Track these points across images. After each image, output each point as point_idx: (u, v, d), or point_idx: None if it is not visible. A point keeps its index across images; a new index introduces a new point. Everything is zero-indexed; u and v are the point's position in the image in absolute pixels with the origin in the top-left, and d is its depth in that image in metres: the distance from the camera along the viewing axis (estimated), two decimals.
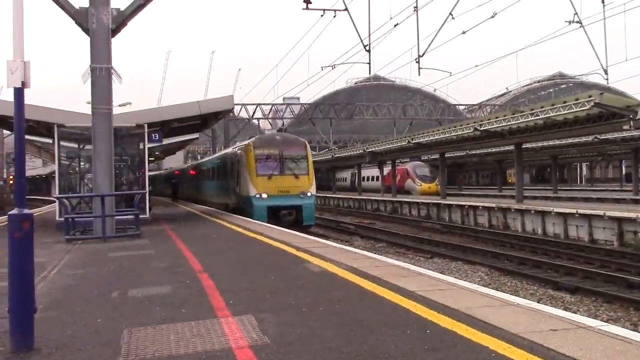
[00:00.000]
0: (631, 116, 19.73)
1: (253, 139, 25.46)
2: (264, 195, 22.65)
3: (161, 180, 60.08)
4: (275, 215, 22.47)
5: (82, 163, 20.39)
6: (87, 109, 17.41)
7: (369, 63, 25.89)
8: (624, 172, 63.88)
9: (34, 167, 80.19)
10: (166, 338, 5.22)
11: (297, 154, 24.16)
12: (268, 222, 19.83)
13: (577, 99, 20.70)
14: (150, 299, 6.98)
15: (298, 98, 70.33)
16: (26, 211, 5.17)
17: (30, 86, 5.34)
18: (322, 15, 24.56)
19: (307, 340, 5.00)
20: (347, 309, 6.11)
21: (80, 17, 14.84)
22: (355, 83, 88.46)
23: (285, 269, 8.92)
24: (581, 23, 21.43)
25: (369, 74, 29.82)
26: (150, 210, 21.01)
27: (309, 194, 23.46)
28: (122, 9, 15.23)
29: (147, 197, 19.48)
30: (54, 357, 4.82)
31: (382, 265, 9.11)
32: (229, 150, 30.21)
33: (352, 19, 23.82)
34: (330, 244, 12.58)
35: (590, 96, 20.13)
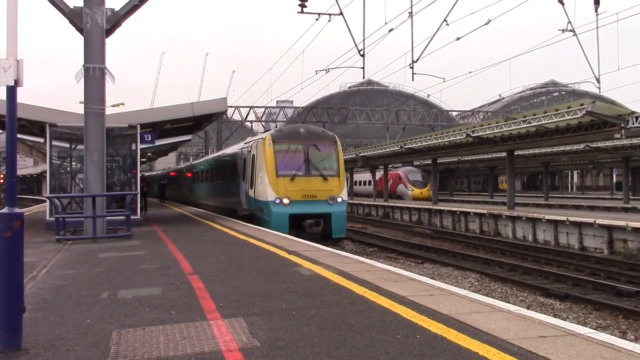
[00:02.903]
0: (622, 125, 19.87)
1: (271, 131, 21.43)
2: (285, 201, 18.94)
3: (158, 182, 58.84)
4: (298, 224, 19.00)
5: (73, 163, 20.32)
6: (80, 109, 17.38)
7: (363, 68, 25.92)
8: (614, 180, 64.27)
9: (25, 166, 79.95)
10: (155, 340, 5.20)
11: (325, 151, 20.18)
12: (290, 234, 16.96)
13: (569, 107, 20.82)
14: (140, 301, 6.95)
15: (291, 101, 70.36)
16: (16, 210, 5.15)
17: (23, 85, 5.32)
18: (317, 19, 24.59)
19: (297, 344, 5.00)
20: (337, 313, 6.11)
21: (74, 17, 14.80)
22: (349, 87, 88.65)
23: (276, 272, 8.90)
24: (574, 32, 21.54)
25: (363, 78, 29.92)
26: (145, 210, 20.95)
27: (339, 199, 19.63)
28: (116, 9, 15.21)
29: (139, 198, 19.45)
30: (42, 357, 4.80)
31: (373, 270, 9.11)
32: (240, 145, 25.06)
33: (346, 24, 23.85)
34: (322, 247, 12.56)
35: (582, 104, 20.25)
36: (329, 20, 24.57)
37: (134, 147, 19.68)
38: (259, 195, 19.75)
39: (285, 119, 63.51)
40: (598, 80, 23.39)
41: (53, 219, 15.79)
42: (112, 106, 39.27)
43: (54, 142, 18.89)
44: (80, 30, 14.83)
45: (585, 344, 4.85)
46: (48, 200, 17.67)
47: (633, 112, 20.19)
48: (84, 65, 14.75)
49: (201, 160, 40.50)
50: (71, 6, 14.92)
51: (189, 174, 41.12)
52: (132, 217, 15.97)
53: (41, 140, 22.83)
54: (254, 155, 20.70)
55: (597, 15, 19.61)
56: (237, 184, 23.31)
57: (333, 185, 19.64)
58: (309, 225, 18.98)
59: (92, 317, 6.11)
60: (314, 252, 11.31)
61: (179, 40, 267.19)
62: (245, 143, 23.45)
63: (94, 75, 14.72)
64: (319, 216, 19.22)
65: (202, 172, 35.27)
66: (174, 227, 18.37)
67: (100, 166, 14.99)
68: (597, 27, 21.35)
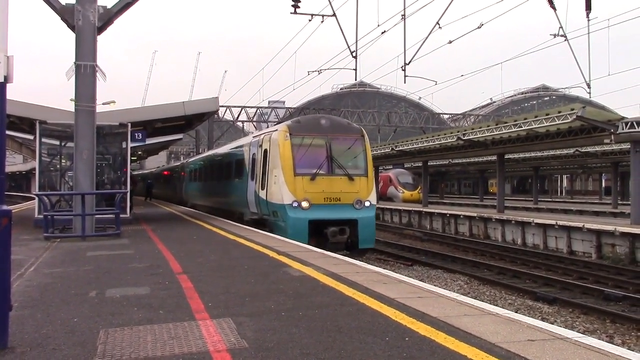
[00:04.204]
0: (612, 130, 19.99)
1: (288, 122, 18.28)
2: (304, 204, 16.32)
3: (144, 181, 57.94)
4: (318, 232, 16.45)
5: (63, 160, 20.21)
6: (71, 106, 17.30)
7: (355, 69, 25.91)
8: (603, 185, 64.69)
9: (14, 163, 79.46)
10: (143, 339, 5.17)
11: (351, 146, 17.53)
12: (309, 243, 14.73)
13: (559, 112, 20.93)
14: (128, 300, 6.92)
15: (283, 102, 70.30)
16: (5, 207, 5.11)
17: (13, 81, 5.28)
18: (310, 20, 24.54)
19: (286, 345, 4.98)
20: (326, 315, 6.10)
21: (66, 14, 14.73)
22: (341, 89, 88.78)
23: (265, 273, 8.88)
24: (566, 37, 21.62)
25: (355, 80, 29.89)
26: (131, 209, 20.86)
27: (367, 203, 17.02)
28: (109, 6, 15.15)
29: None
30: (29, 356, 4.75)
31: (363, 272, 9.11)
32: (247, 139, 22.17)
33: (339, 25, 23.82)
34: (311, 248, 12.55)
35: (572, 109, 20.36)
36: (322, 22, 24.55)
37: (124, 146, 19.61)
38: (273, 197, 17.05)
39: (277, 120, 63.56)
40: (589, 86, 23.51)
41: (42, 216, 15.71)
42: (103, 104, 39.15)
43: (43, 139, 18.78)
44: (72, 27, 14.76)
45: (572, 348, 4.86)
46: (37, 198, 17.57)
47: (623, 118, 20.33)
48: (75, 63, 14.68)
49: (200, 156, 36.50)
50: (63, 3, 14.84)
51: (185, 172, 38.13)
52: (121, 215, 15.91)
53: (31, 137, 22.73)
54: (266, 150, 17.88)
55: (588, 20, 19.71)
56: (243, 183, 20.45)
57: (360, 187, 17.07)
58: (333, 233, 16.31)
59: (80, 316, 6.07)
60: (304, 253, 11.30)
61: (172, 38, 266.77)
62: (254, 136, 20.77)
63: (85, 72, 14.65)
64: (343, 223, 16.59)
65: (201, 170, 31.97)
66: (164, 226, 18.31)
67: (90, 164, 14.92)
68: (589, 33, 21.47)
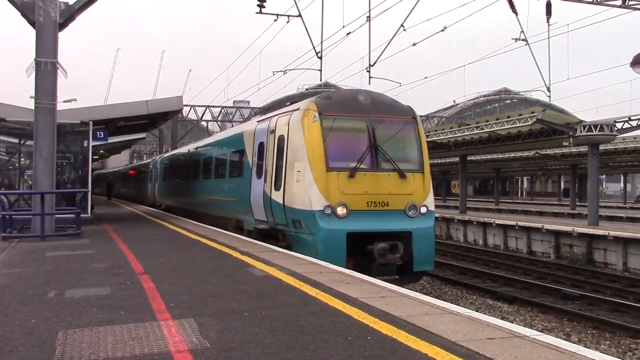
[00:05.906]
0: (571, 133, 20.47)
1: (314, 98, 13.12)
2: (341, 211, 11.96)
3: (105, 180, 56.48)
4: (358, 249, 12.01)
5: (22, 159, 19.80)
6: (30, 104, 16.96)
7: (321, 70, 25.95)
8: (562, 187, 66.07)
9: None
10: (103, 340, 5.10)
11: (401, 131, 13.09)
12: (347, 266, 10.93)
13: (520, 115, 21.35)
14: (88, 300, 6.81)
15: (248, 102, 70.04)
16: None
17: None
18: (275, 20, 24.52)
19: (248, 345, 4.97)
20: (289, 315, 6.10)
21: (26, 10, 14.41)
22: (307, 89, 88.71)
23: (228, 273, 8.84)
24: (527, 41, 22.02)
25: (320, 80, 29.90)
26: (92, 209, 20.54)
27: (424, 209, 12.61)
28: (70, 2, 14.88)
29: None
30: None
31: (326, 272, 9.13)
32: (250, 124, 16.90)
33: (305, 25, 23.83)
34: (275, 248, 12.49)
35: (533, 112, 20.79)
36: (288, 22, 24.53)
37: (85, 144, 19.28)
38: (294, 200, 12.55)
39: (242, 119, 63.25)
40: (549, 89, 23.95)
41: None
42: (64, 102, 38.41)
43: (2, 137, 18.41)
44: (33, 23, 14.44)
45: (530, 346, 4.96)
46: None
47: (581, 121, 20.82)
48: (35, 59, 14.38)
49: (179, 151, 30.32)
50: None
51: (158, 170, 32.54)
52: (82, 215, 15.65)
53: None
54: (281, 137, 13.39)
55: (548, 25, 20.10)
56: (244, 182, 15.67)
57: (415, 187, 12.64)
58: (382, 251, 11.78)
59: (38, 317, 5.96)
60: (267, 253, 11.27)
61: (136, 36, 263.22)
62: (258, 121, 15.77)
63: (46, 69, 14.35)
64: (393, 236, 12.10)
65: (180, 167, 26.88)
66: (125, 226, 18.06)
67: (50, 163, 14.63)
68: (549, 37, 21.88)
